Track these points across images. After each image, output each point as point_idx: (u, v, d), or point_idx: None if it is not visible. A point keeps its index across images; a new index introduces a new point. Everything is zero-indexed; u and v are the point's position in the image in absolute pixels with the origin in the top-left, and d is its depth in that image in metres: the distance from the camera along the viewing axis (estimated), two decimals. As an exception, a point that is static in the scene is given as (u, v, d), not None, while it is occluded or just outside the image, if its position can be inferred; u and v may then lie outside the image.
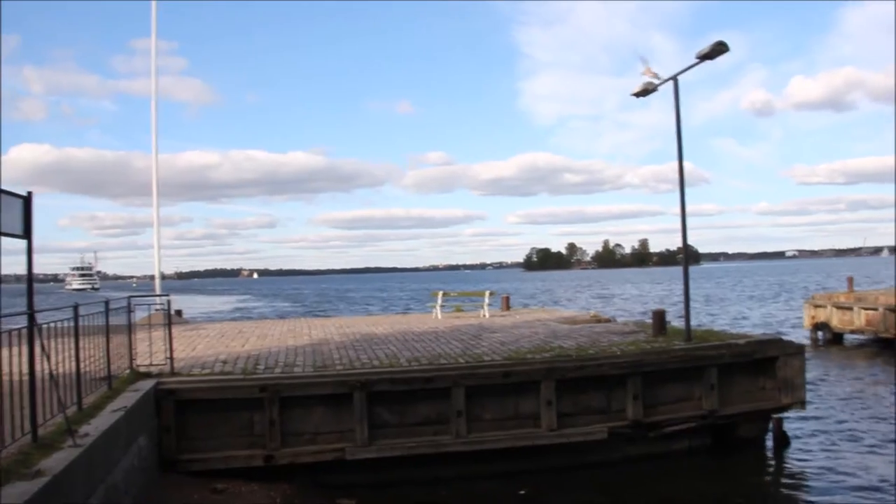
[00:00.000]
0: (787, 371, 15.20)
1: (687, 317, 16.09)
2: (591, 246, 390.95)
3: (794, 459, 14.84)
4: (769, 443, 15.51)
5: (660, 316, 17.03)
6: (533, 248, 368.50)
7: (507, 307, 28.21)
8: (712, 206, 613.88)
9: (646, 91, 16.68)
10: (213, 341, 18.43)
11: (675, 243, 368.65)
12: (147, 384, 12.02)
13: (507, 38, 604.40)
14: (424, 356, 14.80)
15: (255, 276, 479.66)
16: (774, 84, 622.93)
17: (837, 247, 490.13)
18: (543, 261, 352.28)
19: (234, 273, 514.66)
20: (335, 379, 13.01)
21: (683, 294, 16.47)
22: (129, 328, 12.94)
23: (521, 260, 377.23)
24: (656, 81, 16.45)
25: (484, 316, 24.59)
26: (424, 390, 13.13)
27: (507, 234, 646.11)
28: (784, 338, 16.61)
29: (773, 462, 15.00)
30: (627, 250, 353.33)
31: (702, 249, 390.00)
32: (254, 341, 18.25)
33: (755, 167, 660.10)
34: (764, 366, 15.17)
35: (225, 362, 14.54)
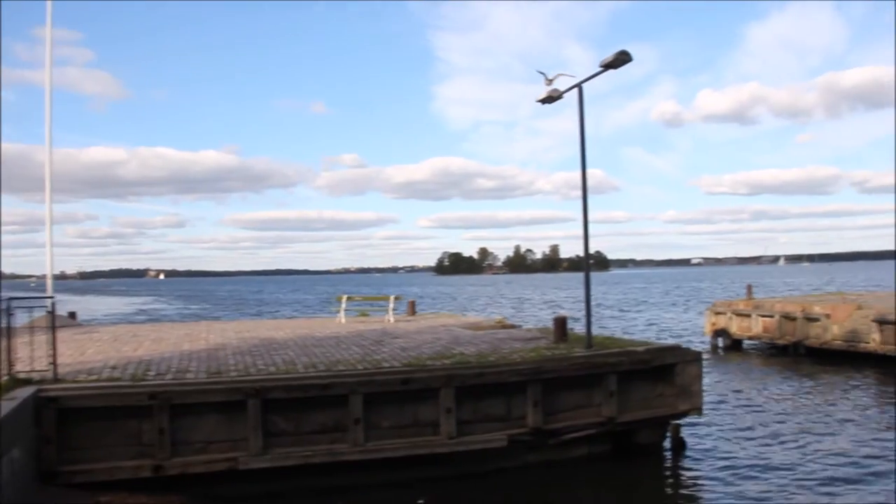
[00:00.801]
0: (684, 378, 15.38)
1: (588, 324, 16.16)
2: (502, 251, 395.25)
3: (691, 464, 15.04)
4: (667, 449, 15.67)
5: (561, 323, 17.07)
6: (445, 253, 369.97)
7: (413, 312, 28.02)
8: (622, 214, 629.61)
9: (551, 98, 16.72)
10: (104, 346, 17.73)
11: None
12: (25, 392, 11.37)
13: (422, 42, 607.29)
14: (323, 362, 14.49)
15: (162, 276, 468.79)
16: (684, 96, 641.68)
17: (740, 255, 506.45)
18: (455, 265, 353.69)
19: (141, 273, 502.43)
20: (228, 386, 12.57)
21: (585, 302, 16.48)
22: (7, 332, 12.26)
23: (433, 264, 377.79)
24: (561, 89, 16.48)
25: (389, 321, 24.35)
26: (321, 397, 12.81)
27: (420, 238, 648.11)
28: (682, 345, 16.82)
29: (670, 467, 15.15)
30: (538, 256, 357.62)
31: (611, 256, 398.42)
32: (148, 346, 17.63)
33: (664, 176, 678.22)
34: (662, 373, 15.31)
35: (114, 368, 13.97)
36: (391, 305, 25.24)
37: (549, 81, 16.65)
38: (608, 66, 15.04)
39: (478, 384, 13.58)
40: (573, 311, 65.25)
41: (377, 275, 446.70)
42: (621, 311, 64.61)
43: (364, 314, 27.65)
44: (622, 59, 14.83)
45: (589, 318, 16.23)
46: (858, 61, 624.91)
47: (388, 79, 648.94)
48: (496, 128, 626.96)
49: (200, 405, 12.32)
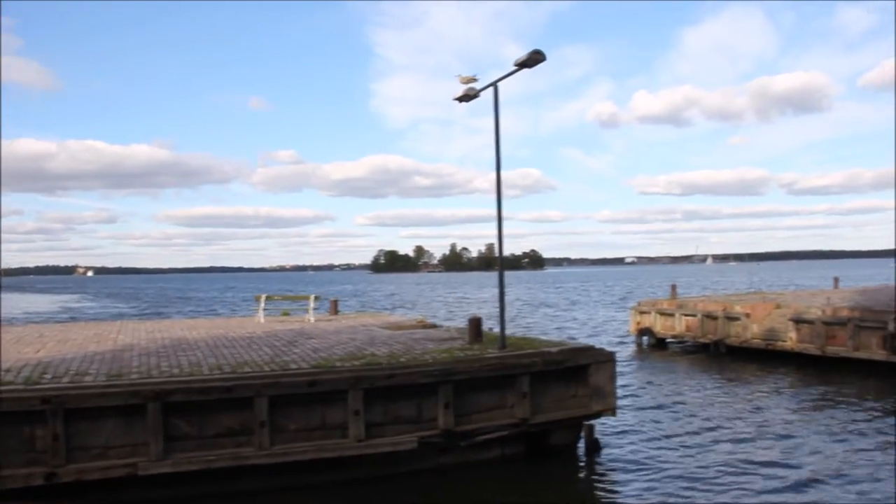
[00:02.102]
0: (598, 378, 15.37)
1: (502, 325, 16.04)
2: (438, 249, 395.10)
3: (605, 465, 15.02)
4: (582, 449, 15.66)
5: (475, 323, 16.93)
6: (381, 250, 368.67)
7: (335, 311, 27.65)
8: (557, 213, 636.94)
9: (467, 97, 16.59)
10: (5, 347, 17.04)
11: (520, 248, 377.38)
12: None
13: (362, 39, 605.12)
14: (230, 364, 14.12)
15: (91, 273, 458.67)
16: (620, 97, 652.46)
17: (672, 254, 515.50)
18: (391, 263, 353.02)
19: (69, 270, 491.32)
20: (127, 389, 12.13)
21: (499, 301, 16.37)
22: None
23: (369, 262, 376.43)
24: (477, 87, 16.36)
25: (309, 320, 23.97)
26: (225, 400, 12.46)
27: (356, 236, 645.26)
28: (597, 346, 16.82)
29: (584, 468, 15.12)
30: (474, 254, 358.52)
31: (546, 255, 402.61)
32: (51, 347, 17.01)
33: (599, 176, 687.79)
34: (576, 373, 15.28)
35: (8, 371, 13.39)
36: (311, 305, 24.86)
37: (467, 80, 16.50)
38: (522, 65, 14.95)
39: (387, 386, 13.37)
40: (509, 309, 65.50)
41: (312, 272, 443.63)
42: (556, 310, 64.91)
43: (286, 314, 27.23)
44: (536, 58, 14.75)
45: (503, 318, 16.11)
46: (788, 67, 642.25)
47: (327, 75, 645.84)
48: (434, 126, 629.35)
49: (97, 409, 11.87)
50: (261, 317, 24.60)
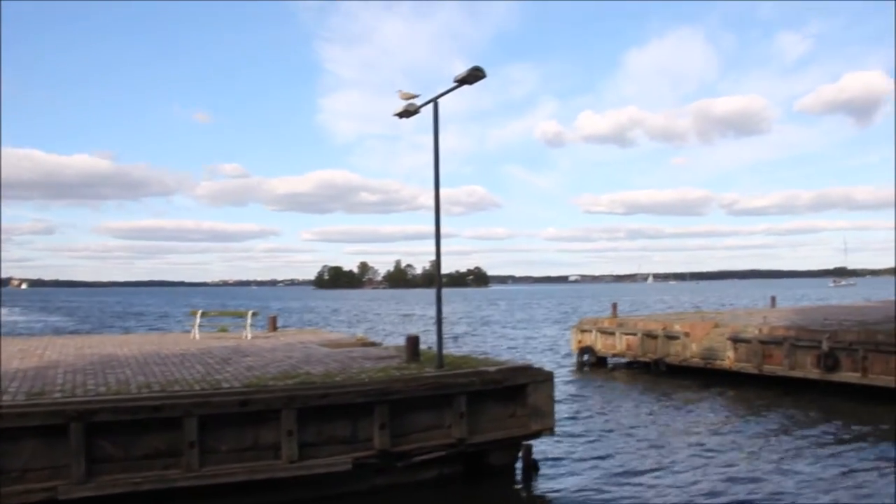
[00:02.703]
0: (536, 398, 15.25)
1: (439, 343, 15.84)
2: (383, 265, 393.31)
3: (544, 485, 14.89)
4: (520, 469, 15.50)
5: (413, 342, 16.71)
6: (325, 266, 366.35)
7: (274, 328, 27.21)
8: (502, 230, 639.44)
9: (407, 112, 16.43)
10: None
11: (465, 265, 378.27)
12: None
13: (310, 53, 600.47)
14: (159, 382, 13.69)
15: (25, 286, 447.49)
16: (565, 117, 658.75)
17: (616, 272, 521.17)
18: (335, 279, 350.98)
19: (3, 283, 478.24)
20: (48, 409, 11.63)
21: (436, 320, 16.17)
22: None
23: (313, 278, 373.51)
24: (417, 103, 16.21)
25: (246, 337, 23.50)
26: (153, 420, 12.02)
27: (301, 251, 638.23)
28: (534, 365, 16.70)
29: (522, 489, 14.98)
30: (419, 271, 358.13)
31: (491, 272, 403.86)
32: (-29, 364, 16.35)
33: (545, 194, 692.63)
34: (514, 393, 15.13)
35: (-78, 390, 12.79)
36: (248, 321, 24.38)
37: (407, 96, 16.35)
38: (462, 81, 14.84)
39: (322, 405, 13.05)
40: (450, 326, 65.37)
41: (256, 288, 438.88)
42: (500, 327, 64.91)
43: (223, 330, 26.71)
44: (475, 75, 14.66)
45: (440, 337, 15.92)
46: (729, 90, 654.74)
47: (274, 89, 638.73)
48: (381, 142, 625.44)
49: (16, 430, 11.34)
50: (196, 333, 24.05)
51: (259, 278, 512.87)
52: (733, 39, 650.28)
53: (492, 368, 15.32)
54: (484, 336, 54.36)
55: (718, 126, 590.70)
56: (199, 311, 24.71)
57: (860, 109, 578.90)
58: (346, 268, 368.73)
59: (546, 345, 45.77)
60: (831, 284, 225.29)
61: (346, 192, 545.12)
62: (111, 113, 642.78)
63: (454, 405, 14.26)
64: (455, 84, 15.08)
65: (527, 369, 15.75)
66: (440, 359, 15.52)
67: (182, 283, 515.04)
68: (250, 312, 24.87)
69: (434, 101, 15.83)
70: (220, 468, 12.31)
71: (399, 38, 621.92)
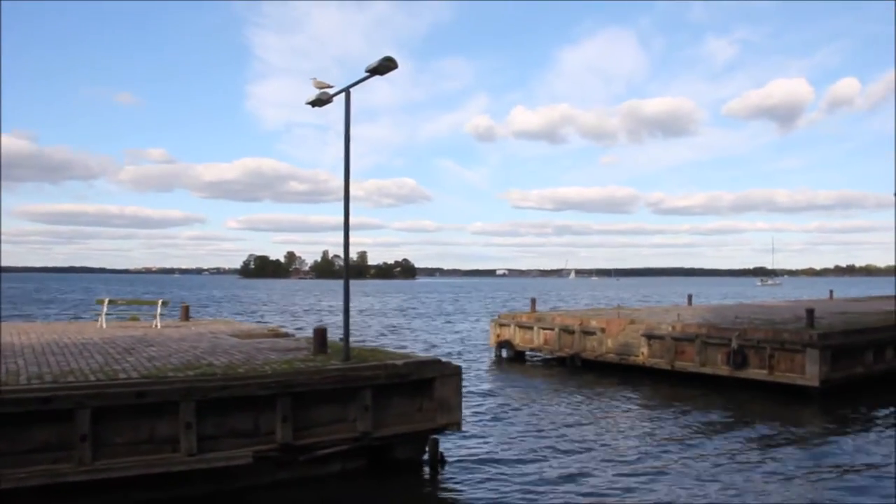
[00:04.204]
0: (444, 392, 15.20)
1: (346, 335, 15.63)
2: (310, 255, 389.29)
3: (450, 480, 14.82)
4: (426, 464, 15.43)
5: (321, 333, 16.47)
6: (251, 255, 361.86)
7: (186, 317, 26.66)
8: (431, 223, 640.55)
9: (320, 101, 16.18)
10: None
11: (393, 256, 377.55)
12: None
13: (240, 39, 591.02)
14: (52, 372, 13.19)
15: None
16: (497, 112, 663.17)
17: (543, 267, 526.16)
18: (261, 268, 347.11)
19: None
20: (-74, 400, 11.16)
21: (343, 311, 15.97)
22: None
23: (238, 266, 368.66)
24: (330, 92, 15.97)
25: (156, 326, 22.94)
26: (42, 412, 11.58)
27: (227, 240, 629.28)
28: (442, 359, 16.62)
29: (428, 483, 14.89)
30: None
31: (419, 264, 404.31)
32: None
33: (474, 188, 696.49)
34: (421, 387, 15.05)
35: None
36: (158, 310, 23.79)
37: (320, 85, 16.10)
38: (374, 71, 14.64)
39: (222, 397, 12.77)
40: (375, 317, 65.08)
41: (179, 276, 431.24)
42: (423, 320, 64.87)
43: (134, 319, 26.07)
44: (387, 65, 14.48)
45: (347, 328, 15.71)
46: (658, 91, 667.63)
47: (202, 74, 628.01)
48: (310, 131, 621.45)
49: None
50: (102, 322, 23.37)
51: (183, 266, 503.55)
52: (664, 42, 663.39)
53: (399, 362, 15.18)
54: (407, 329, 54.23)
55: (648, 126, 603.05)
56: (107, 300, 24.01)
57: (784, 115, 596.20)
58: (272, 257, 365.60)
59: (467, 338, 45.85)
60: (758, 283, 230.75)
61: (274, 180, 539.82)
62: (32, 93, 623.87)
63: (359, 398, 14.12)
64: (367, 74, 14.87)
65: (434, 363, 15.67)
66: (346, 351, 15.32)
67: (103, 270, 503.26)
68: (160, 301, 24.28)
69: (346, 90, 15.59)
70: (114, 462, 11.95)
71: (333, 27, 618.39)
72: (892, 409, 22.31)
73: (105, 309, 23.59)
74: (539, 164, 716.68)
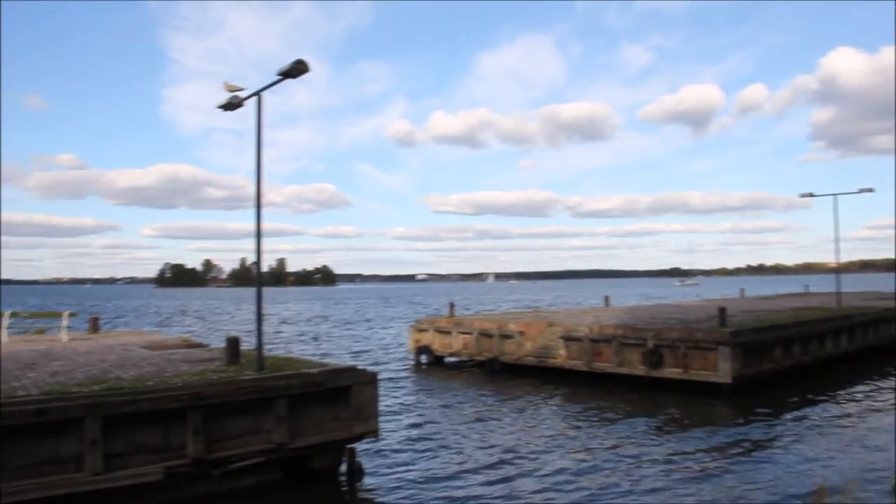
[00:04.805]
0: (360, 400, 14.99)
1: (259, 344, 15.27)
2: (228, 263, 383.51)
3: (369, 489, 14.62)
4: (344, 473, 15.20)
5: (233, 343, 16.06)
6: (167, 264, 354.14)
7: (95, 329, 25.79)
8: (351, 229, 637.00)
9: (232, 105, 15.80)
10: None
11: (313, 263, 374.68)
12: None
13: (155, 41, 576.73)
14: (-54, 391, 12.53)
15: None
16: (417, 117, 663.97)
17: (463, 272, 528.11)
18: (177, 277, 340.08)
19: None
20: None
21: (256, 320, 15.60)
22: None
23: (154, 275, 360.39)
24: (242, 95, 15.61)
25: (62, 340, 22.10)
26: (-68, 435, 11.01)
27: (142, 248, 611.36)
28: (358, 366, 16.39)
29: (346, 493, 14.67)
30: (265, 269, 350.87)
31: (339, 270, 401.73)
32: None
33: (394, 193, 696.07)
34: (337, 395, 14.81)
35: None
36: (64, 323, 22.92)
37: (232, 88, 15.72)
38: (285, 74, 14.36)
39: (130, 413, 12.31)
40: (298, 327, 64.27)
41: (91, 286, 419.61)
42: (342, 327, 64.28)
43: (40, 332, 25.12)
44: (298, 68, 14.21)
45: (260, 338, 15.35)
46: (576, 96, 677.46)
47: (115, 76, 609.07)
48: (228, 136, 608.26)
49: None
50: (3, 336, 22.37)
51: (96, 276, 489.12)
52: (581, 47, 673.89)
53: (314, 370, 14.90)
54: (327, 336, 53.66)
55: (566, 130, 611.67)
56: (9, 312, 23.03)
57: (696, 120, 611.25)
58: (189, 265, 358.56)
59: (387, 344, 45.58)
60: (677, 283, 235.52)
61: (191, 186, 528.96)
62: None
63: (274, 409, 13.82)
64: (279, 77, 14.58)
65: (350, 371, 15.44)
66: (260, 361, 14.96)
67: (10, 281, 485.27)
68: (67, 313, 23.40)
69: (258, 94, 15.27)
70: (11, 485, 11.36)
71: (250, 29, 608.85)
72: (799, 402, 22.86)
73: (6, 322, 22.57)
74: (459, 168, 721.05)
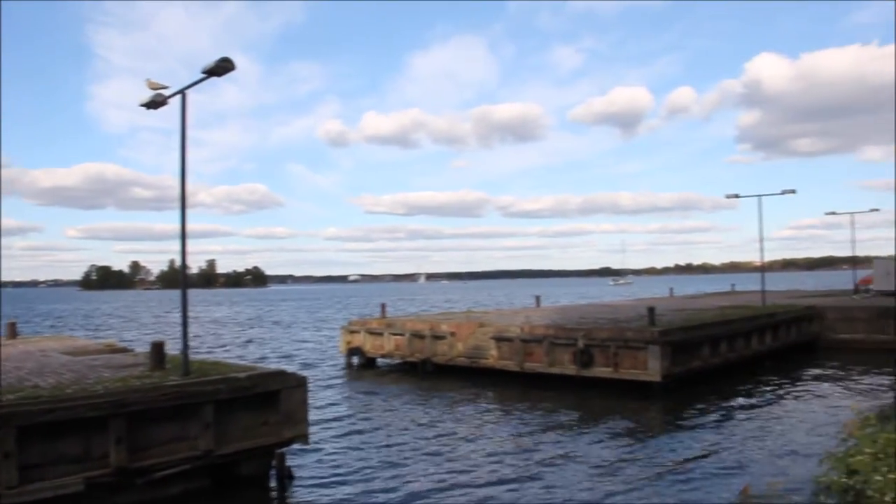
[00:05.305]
0: (289, 404, 14.78)
1: (185, 348, 14.89)
2: (157, 265, 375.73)
3: (299, 494, 14.42)
4: (274, 479, 14.95)
5: (158, 348, 15.65)
6: (92, 266, 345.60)
7: (13, 335, 24.93)
8: (283, 230, 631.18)
9: (155, 103, 15.40)
10: None
11: (244, 264, 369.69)
12: None
13: (80, 37, 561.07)
14: None
15: None
16: (349, 117, 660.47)
17: (395, 272, 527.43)
18: (104, 279, 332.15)
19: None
20: None
21: (181, 323, 15.20)
22: None
23: (79, 278, 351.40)
24: (166, 93, 15.23)
25: (-23, 346, 21.32)
26: None
27: (66, 250, 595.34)
28: (287, 370, 16.15)
29: (276, 499, 14.47)
30: (195, 271, 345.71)
31: (270, 271, 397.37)
32: None
33: (326, 194, 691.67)
34: (266, 400, 14.56)
35: None
36: (-20, 328, 22.15)
37: (155, 86, 15.33)
38: (210, 72, 14.03)
39: (47, 422, 11.88)
40: (230, 330, 63.32)
41: (13, 289, 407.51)
42: (273, 330, 63.50)
43: (-44, 338, 24.21)
44: (225, 66, 13.92)
45: (185, 342, 14.96)
46: (508, 97, 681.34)
47: (38, 72, 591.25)
48: (156, 135, 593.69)
49: None
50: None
51: (17, 279, 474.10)
52: (513, 49, 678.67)
53: (241, 375, 14.61)
54: (258, 339, 53.00)
55: (498, 131, 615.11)
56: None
57: (626, 122, 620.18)
58: (116, 267, 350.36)
59: (320, 347, 45.18)
60: (611, 283, 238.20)
61: (117, 186, 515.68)
62: None
63: (200, 415, 13.51)
64: (203, 75, 14.26)
65: (279, 375, 15.19)
66: (186, 366, 14.59)
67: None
68: (-17, 319, 22.63)
69: (182, 92, 14.92)
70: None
71: (180, 27, 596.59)
72: (726, 399, 23.26)
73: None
74: (391, 169, 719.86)
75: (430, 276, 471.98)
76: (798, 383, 26.50)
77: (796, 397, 23.74)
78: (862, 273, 58.14)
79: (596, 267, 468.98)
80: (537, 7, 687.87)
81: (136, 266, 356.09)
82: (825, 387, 25.78)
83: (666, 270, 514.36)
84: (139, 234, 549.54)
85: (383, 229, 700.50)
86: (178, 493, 13.49)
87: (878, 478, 4.77)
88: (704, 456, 16.55)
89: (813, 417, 20.44)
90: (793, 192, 39.62)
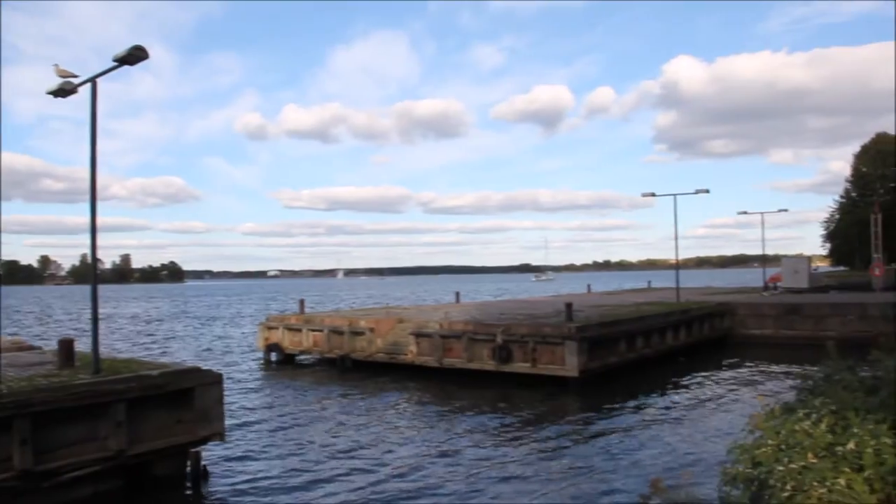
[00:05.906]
0: (204, 402, 14.54)
1: (95, 346, 14.46)
2: (68, 260, 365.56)
3: (214, 494, 14.19)
4: (189, 479, 14.66)
5: (66, 345, 15.19)
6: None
7: (-86, 333, 23.99)
8: (200, 224, 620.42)
9: (63, 91, 14.91)
10: None
11: (159, 259, 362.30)
12: None
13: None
14: None
15: None
16: (268, 110, 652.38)
17: (316, 268, 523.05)
18: (10, 275, 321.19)
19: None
20: None
21: (91, 319, 14.79)
22: None
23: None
24: (75, 81, 14.78)
25: None
26: None
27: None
28: (202, 367, 15.89)
29: (191, 499, 14.20)
30: (108, 265, 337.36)
31: (187, 267, 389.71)
32: None
33: (244, 188, 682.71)
34: (180, 398, 14.28)
35: None
36: None
37: (64, 74, 14.86)
38: (122, 60, 13.67)
39: (-55, 424, 11.44)
40: (145, 326, 61.93)
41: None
42: (189, 326, 62.29)
43: None
44: (137, 55, 13.58)
45: (96, 338, 14.51)
46: (429, 94, 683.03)
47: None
48: (66, 124, 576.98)
49: None
50: None
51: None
52: (435, 46, 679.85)
53: (154, 372, 14.28)
54: (174, 336, 51.96)
55: (419, 127, 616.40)
56: None
57: (547, 120, 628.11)
58: (24, 262, 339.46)
59: (236, 343, 44.54)
60: (533, 279, 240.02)
61: (26, 178, 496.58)
62: None
63: (111, 414, 13.17)
64: (115, 64, 13.88)
65: (194, 372, 14.93)
66: (96, 364, 14.18)
67: None
68: None
69: (92, 80, 14.49)
70: None
71: (94, 15, 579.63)
72: (641, 393, 23.72)
73: None
74: (311, 163, 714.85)
75: (350, 272, 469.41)
76: (711, 377, 27.18)
77: (709, 390, 24.37)
78: (771, 271, 59.96)
79: (517, 263, 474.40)
80: (458, 6, 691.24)
81: (45, 261, 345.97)
82: (736, 380, 26.52)
83: (585, 267, 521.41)
84: (50, 228, 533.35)
85: (303, 224, 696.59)
86: (88, 496, 13.14)
87: (780, 468, 4.91)
88: (616, 450, 16.83)
89: (724, 410, 20.99)
90: (707, 191, 40.56)
